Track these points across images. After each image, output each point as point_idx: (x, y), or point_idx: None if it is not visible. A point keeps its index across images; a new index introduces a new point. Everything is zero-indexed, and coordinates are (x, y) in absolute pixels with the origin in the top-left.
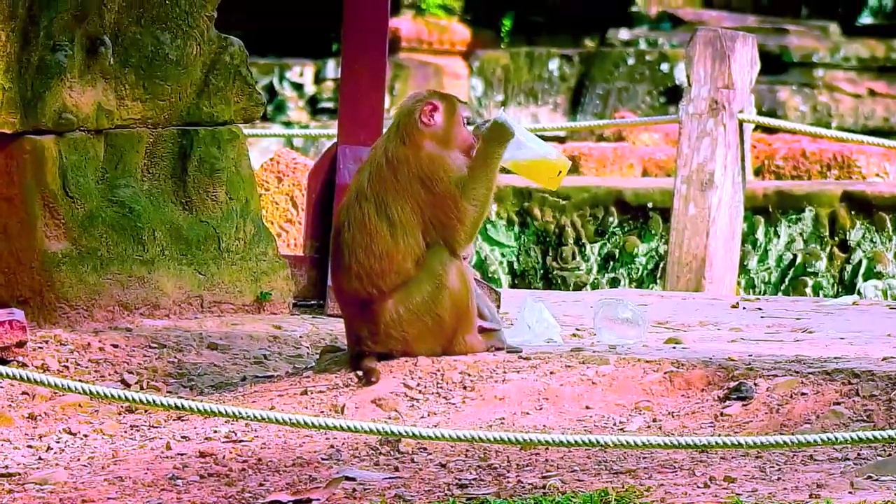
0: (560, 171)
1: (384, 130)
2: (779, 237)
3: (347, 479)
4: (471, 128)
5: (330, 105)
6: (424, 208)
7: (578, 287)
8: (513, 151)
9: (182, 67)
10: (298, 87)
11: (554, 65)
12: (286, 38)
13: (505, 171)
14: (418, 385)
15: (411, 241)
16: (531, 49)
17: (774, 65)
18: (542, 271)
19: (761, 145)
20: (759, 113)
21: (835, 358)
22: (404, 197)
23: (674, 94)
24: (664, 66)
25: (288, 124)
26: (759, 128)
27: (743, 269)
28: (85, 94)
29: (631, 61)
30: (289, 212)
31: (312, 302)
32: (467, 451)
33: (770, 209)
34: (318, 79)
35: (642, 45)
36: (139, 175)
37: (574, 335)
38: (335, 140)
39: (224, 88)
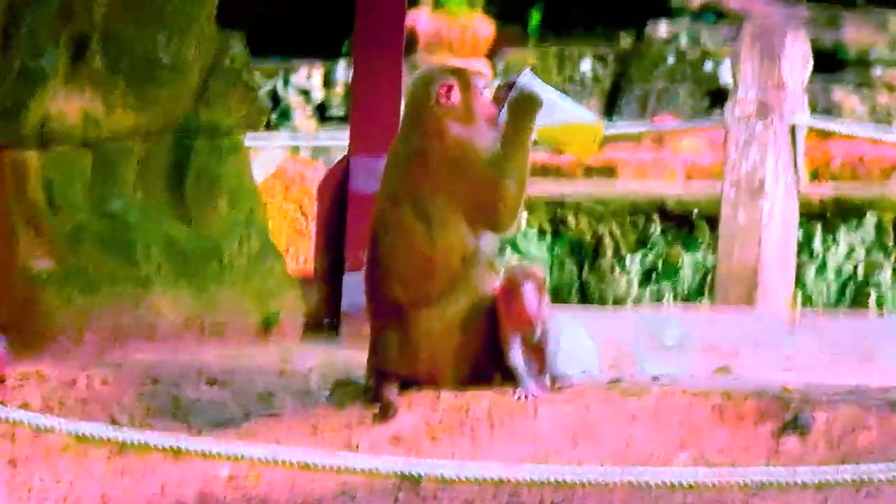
0: (595, 137)
1: None
2: (837, 246)
3: None
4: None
5: (340, 112)
6: (463, 197)
7: (617, 303)
8: (542, 117)
9: (178, 72)
10: (305, 92)
11: (587, 64)
12: (291, 37)
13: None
14: (441, 421)
15: (452, 237)
16: (561, 47)
17: (829, 62)
18: (577, 286)
19: (816, 151)
20: (813, 114)
21: None
22: (439, 190)
23: (718, 96)
24: (708, 65)
25: (294, 133)
26: (814, 131)
27: (799, 281)
28: (71, 101)
29: (671, 60)
30: (298, 225)
31: (325, 324)
32: (495, 492)
33: (828, 216)
34: (328, 83)
35: (683, 42)
36: (131, 188)
37: (612, 365)
38: (346, 151)
39: (224, 95)
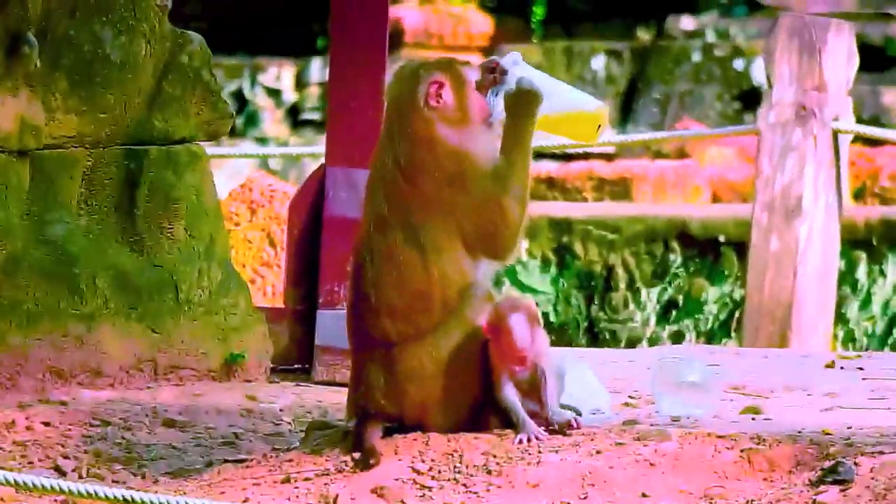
0: (599, 125)
1: None
2: (885, 277)
3: None
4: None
5: (315, 116)
6: (461, 219)
7: (632, 343)
8: (544, 106)
9: (128, 71)
10: (275, 93)
11: (599, 62)
12: (259, 32)
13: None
14: (431, 469)
15: (449, 266)
16: (570, 43)
17: (877, 60)
18: (585, 324)
19: (862, 161)
20: (859, 121)
21: None
22: (433, 211)
23: (751, 99)
24: (738, 63)
25: (263, 141)
26: (859, 139)
27: (840, 317)
28: (5, 105)
29: (696, 57)
30: (265, 252)
31: (296, 366)
32: None
33: (874, 242)
34: (300, 83)
35: (710, 37)
36: (75, 207)
37: (627, 404)
38: (322, 161)
39: (181, 97)
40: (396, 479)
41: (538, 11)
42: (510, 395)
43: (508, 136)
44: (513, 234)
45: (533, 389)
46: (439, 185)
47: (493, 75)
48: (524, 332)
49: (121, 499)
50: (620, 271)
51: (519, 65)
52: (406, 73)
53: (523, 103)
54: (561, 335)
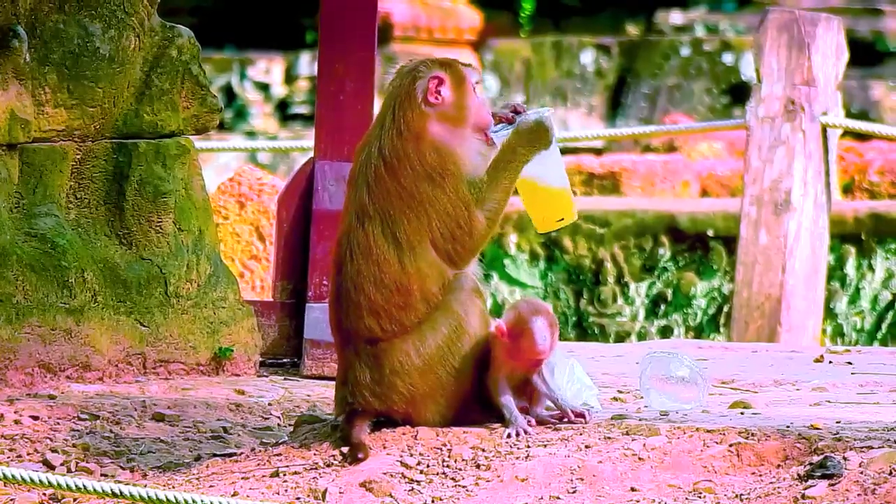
0: (563, 218)
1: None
2: (874, 272)
3: None
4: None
5: (304, 110)
6: (433, 214)
7: (621, 338)
8: (535, 166)
9: (117, 65)
10: (264, 87)
11: (588, 57)
12: (248, 26)
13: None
14: (419, 463)
15: (424, 264)
16: (559, 37)
17: (867, 54)
18: (574, 318)
19: (851, 156)
20: (848, 115)
21: None
22: (411, 205)
23: (739, 93)
24: (727, 58)
25: (252, 135)
26: (848, 134)
27: (829, 312)
28: None
29: (685, 52)
30: (253, 246)
31: (285, 360)
32: None
33: (863, 237)
34: (289, 77)
35: (699, 32)
36: (64, 201)
37: (615, 399)
38: (311, 155)
39: (170, 91)
40: (385, 473)
41: (527, 6)
42: (506, 392)
43: (503, 156)
44: (473, 245)
45: (524, 386)
46: (419, 178)
47: (512, 113)
48: (546, 336)
49: (109, 492)
50: (609, 266)
51: (552, 125)
52: (408, 69)
53: (532, 134)
54: None
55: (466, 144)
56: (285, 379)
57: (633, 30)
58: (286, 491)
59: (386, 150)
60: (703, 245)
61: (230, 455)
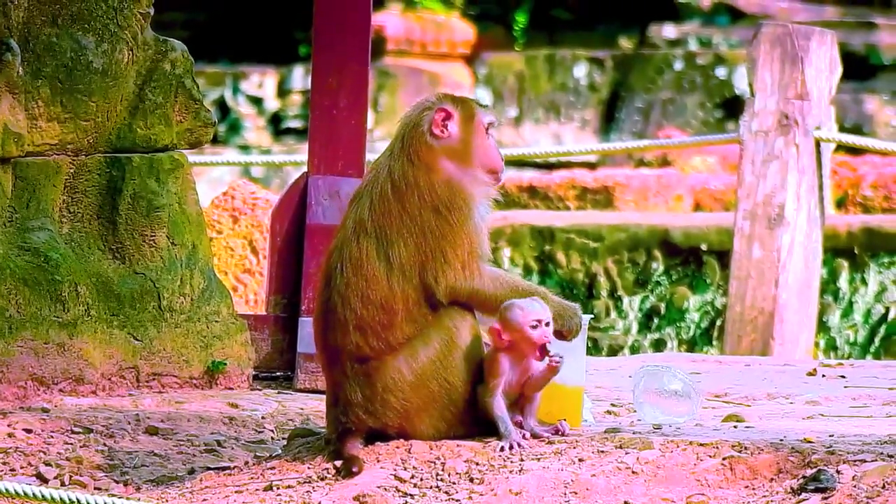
0: (564, 420)
1: (367, 156)
2: (867, 286)
3: None
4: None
5: (297, 124)
6: (433, 243)
7: (614, 351)
8: (563, 348)
9: (110, 78)
10: (257, 101)
11: (581, 71)
12: (241, 40)
13: None
14: (413, 477)
15: (409, 286)
16: (552, 51)
17: (860, 68)
18: None
19: (844, 170)
20: (841, 129)
21: None
22: (411, 230)
23: (733, 107)
24: (720, 72)
25: (245, 149)
26: (842, 148)
27: (822, 326)
28: None
29: (679, 66)
30: (247, 260)
31: (278, 374)
32: None
33: (856, 251)
34: (283, 91)
35: (692, 46)
36: (57, 215)
37: (609, 412)
38: (304, 169)
39: (164, 105)
40: (379, 487)
41: (520, 19)
42: (500, 404)
43: (531, 287)
44: (460, 288)
45: (518, 399)
46: (425, 207)
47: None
48: (540, 311)
49: None
50: (602, 279)
51: (581, 316)
52: (421, 102)
53: (567, 314)
54: None
55: (477, 184)
56: (279, 392)
57: (626, 44)
58: None
59: (396, 175)
60: (696, 259)
61: (224, 468)
